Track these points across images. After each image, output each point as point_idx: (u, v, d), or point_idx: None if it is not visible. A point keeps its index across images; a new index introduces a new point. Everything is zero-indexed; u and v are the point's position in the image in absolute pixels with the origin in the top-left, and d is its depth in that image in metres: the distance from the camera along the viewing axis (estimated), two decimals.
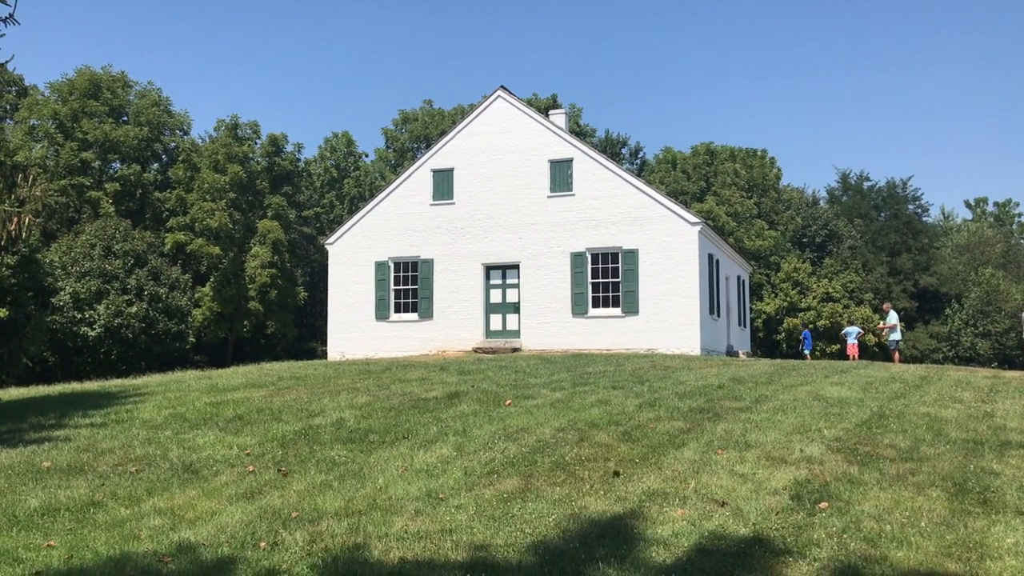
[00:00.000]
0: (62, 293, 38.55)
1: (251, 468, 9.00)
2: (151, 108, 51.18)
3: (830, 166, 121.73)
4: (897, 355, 27.06)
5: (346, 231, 29.49)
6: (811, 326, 46.11)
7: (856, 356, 29.78)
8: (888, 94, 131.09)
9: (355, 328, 28.68)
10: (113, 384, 19.27)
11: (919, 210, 62.95)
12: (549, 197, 27.18)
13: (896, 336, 27.09)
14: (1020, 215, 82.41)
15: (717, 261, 29.20)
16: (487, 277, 27.72)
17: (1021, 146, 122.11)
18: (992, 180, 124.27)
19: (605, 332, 25.95)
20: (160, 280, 42.49)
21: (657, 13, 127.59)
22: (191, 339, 45.19)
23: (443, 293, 27.84)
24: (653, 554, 6.13)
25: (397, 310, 28.54)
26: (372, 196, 32.94)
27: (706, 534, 6.49)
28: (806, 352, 33.81)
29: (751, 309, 45.82)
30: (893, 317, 27.26)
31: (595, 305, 26.39)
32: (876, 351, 46.00)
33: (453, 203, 28.19)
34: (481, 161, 28.02)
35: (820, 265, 55.27)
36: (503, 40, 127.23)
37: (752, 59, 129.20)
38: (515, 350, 25.83)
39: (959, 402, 12.00)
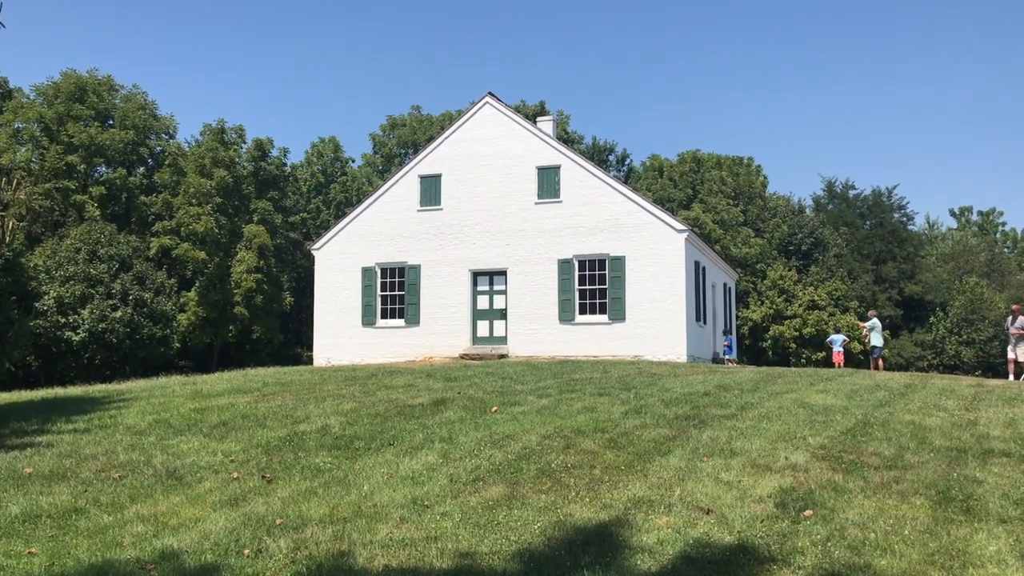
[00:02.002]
0: (46, 297, 38.26)
1: (235, 475, 8.95)
2: (137, 112, 50.94)
3: (816, 174, 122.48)
4: (880, 362, 27.08)
5: (333, 236, 29.43)
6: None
7: (842, 364, 29.87)
8: (874, 103, 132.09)
9: (341, 334, 28.60)
10: (97, 389, 19.13)
11: (904, 219, 63.45)
12: (536, 204, 27.21)
13: (878, 343, 27.17)
14: (1004, 224, 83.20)
15: (703, 268, 29.30)
16: (474, 283, 27.71)
17: (1006, 156, 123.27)
18: (977, 189, 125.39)
19: (592, 339, 25.98)
20: (145, 285, 42.24)
21: (645, 22, 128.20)
22: (176, 344, 44.93)
23: (430, 299, 27.81)
24: (638, 562, 6.13)
25: (384, 316, 28.48)
26: (359, 201, 32.88)
27: (691, 542, 6.50)
28: (727, 358, 32.52)
29: (737, 316, 45.97)
30: (873, 323, 27.37)
31: (582, 312, 26.42)
32: (862, 359, 46.21)
33: (440, 209, 28.17)
34: (469, 167, 28.02)
35: (806, 273, 55.56)
36: (491, 47, 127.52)
37: (738, 67, 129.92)
38: (502, 356, 25.82)
39: (943, 410, 12.07)
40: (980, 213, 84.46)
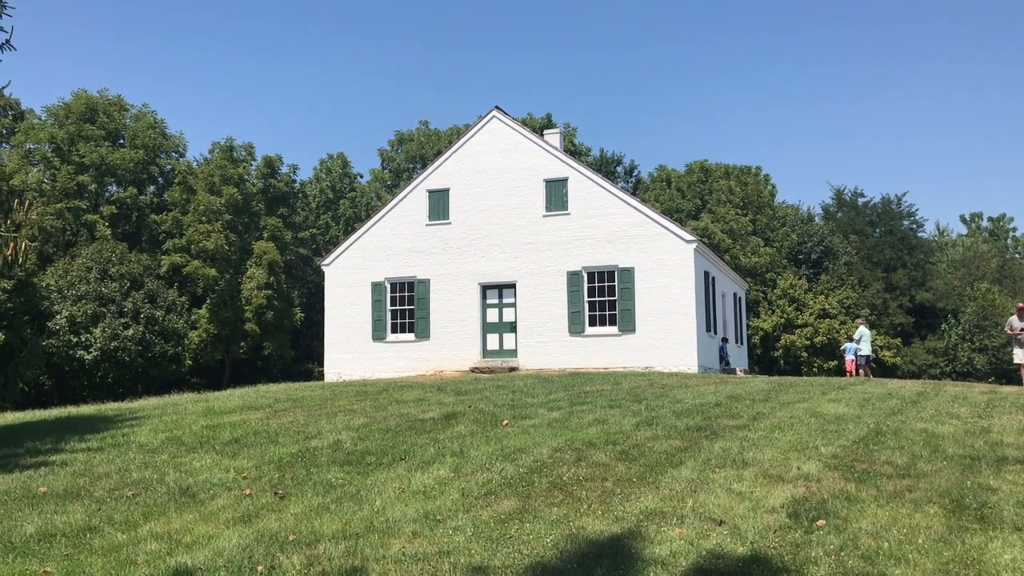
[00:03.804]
0: (58, 317, 38.50)
1: (248, 491, 8.96)
2: (147, 131, 51.34)
3: (824, 183, 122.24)
4: (867, 372, 27.18)
5: (342, 252, 29.53)
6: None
7: (854, 372, 29.77)
8: (882, 111, 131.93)
9: (352, 349, 28.66)
10: (109, 408, 19.19)
11: (914, 225, 63.22)
12: (545, 216, 27.27)
13: (866, 351, 27.19)
14: (1015, 230, 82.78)
15: (713, 278, 29.26)
16: (484, 296, 27.74)
17: (1016, 161, 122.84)
18: (987, 195, 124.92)
19: (602, 350, 25.96)
20: (156, 303, 42.46)
21: (651, 33, 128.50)
22: (188, 361, 45.11)
23: (440, 313, 27.85)
24: (651, 574, 6.12)
25: (394, 330, 28.54)
26: (368, 217, 33.01)
27: (704, 553, 6.48)
28: (737, 368, 31.98)
29: (748, 326, 45.84)
30: (861, 331, 27.41)
31: (592, 323, 26.41)
32: (874, 366, 46.08)
33: (449, 223, 28.25)
34: (477, 181, 28.11)
35: (816, 281, 55.42)
36: (498, 61, 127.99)
37: (746, 77, 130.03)
38: (512, 369, 25.81)
39: (956, 418, 12.00)
40: (990, 219, 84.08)
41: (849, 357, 30.57)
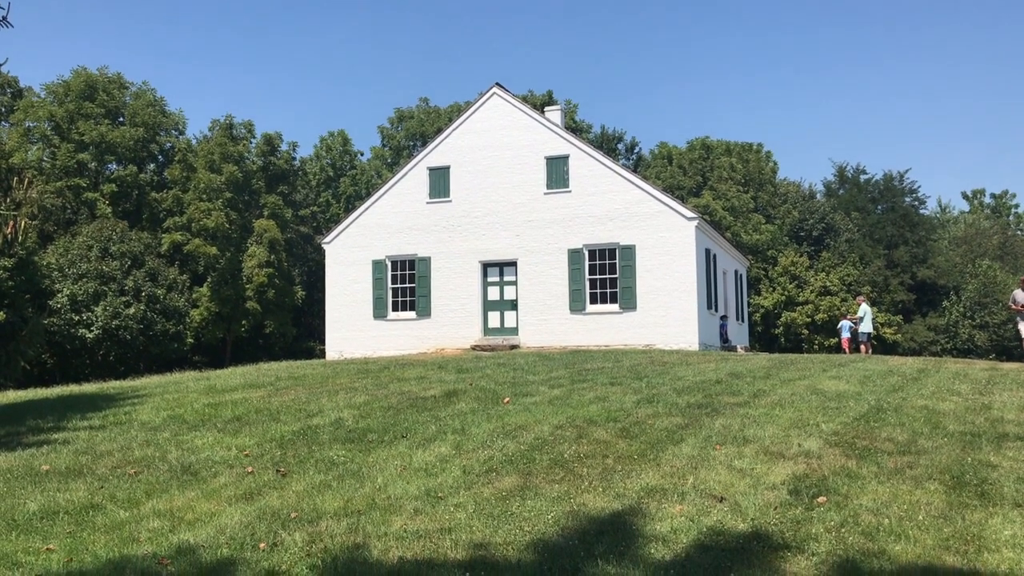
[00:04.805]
0: (59, 295, 38.50)
1: (250, 469, 8.99)
2: (146, 109, 51.10)
3: (826, 159, 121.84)
4: (867, 348, 27.32)
5: (343, 230, 29.47)
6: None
7: (848, 349, 29.85)
8: (884, 87, 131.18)
9: (353, 327, 28.67)
10: (111, 386, 19.25)
11: (916, 202, 63.02)
12: (546, 194, 27.18)
13: (867, 328, 27.28)
14: (1017, 206, 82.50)
15: (714, 256, 29.21)
16: (485, 274, 27.71)
17: (1018, 138, 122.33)
18: (989, 172, 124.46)
19: (603, 328, 25.96)
20: (158, 281, 42.46)
21: (652, 8, 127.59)
22: (189, 340, 45.18)
23: (441, 291, 27.83)
24: (652, 550, 6.14)
25: (395, 309, 28.54)
26: (368, 195, 32.92)
27: (705, 530, 6.50)
28: (737, 345, 31.73)
29: (749, 303, 45.83)
30: (862, 310, 27.51)
31: (593, 301, 26.40)
32: (874, 343, 46.14)
33: (450, 201, 28.17)
34: (477, 158, 28.00)
35: (817, 259, 55.35)
36: (498, 37, 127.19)
37: (747, 53, 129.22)
38: (513, 347, 25.83)
39: (957, 395, 12.01)
40: (992, 195, 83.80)
41: (845, 335, 30.62)
